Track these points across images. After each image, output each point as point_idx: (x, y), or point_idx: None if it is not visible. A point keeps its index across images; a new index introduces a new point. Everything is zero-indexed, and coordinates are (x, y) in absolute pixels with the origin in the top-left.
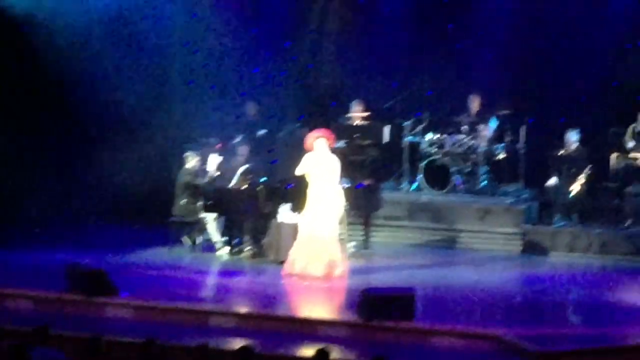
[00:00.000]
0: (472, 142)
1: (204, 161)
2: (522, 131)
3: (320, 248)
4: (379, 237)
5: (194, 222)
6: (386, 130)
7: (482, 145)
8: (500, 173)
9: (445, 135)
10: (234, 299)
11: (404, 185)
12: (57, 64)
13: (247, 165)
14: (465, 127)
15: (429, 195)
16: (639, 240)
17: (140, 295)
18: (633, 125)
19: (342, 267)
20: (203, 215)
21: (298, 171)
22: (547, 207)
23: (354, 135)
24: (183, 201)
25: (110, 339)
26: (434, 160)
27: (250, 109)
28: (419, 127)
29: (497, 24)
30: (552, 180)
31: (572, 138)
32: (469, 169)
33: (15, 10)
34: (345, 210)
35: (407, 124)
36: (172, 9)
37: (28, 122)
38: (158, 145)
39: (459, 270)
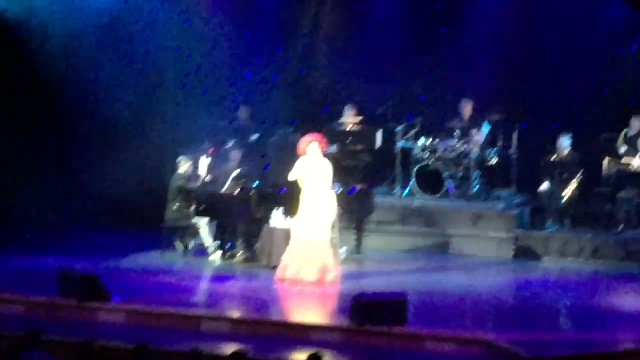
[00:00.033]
0: (465, 147)
1: (196, 166)
2: (515, 136)
3: (313, 253)
4: (372, 242)
5: (187, 226)
6: (379, 135)
7: (475, 150)
8: (493, 178)
9: (437, 141)
10: (226, 304)
11: (397, 190)
12: (50, 69)
13: (239, 170)
14: (457, 133)
15: (422, 201)
16: (631, 245)
17: (132, 300)
18: (625, 130)
19: (334, 272)
20: (196, 220)
21: (291, 176)
22: (539, 213)
23: (347, 140)
24: (176, 206)
25: (103, 344)
26: (426, 166)
27: (243, 113)
28: (412, 132)
29: (490, 29)
30: (545, 186)
31: (565, 143)
32: (462, 174)
33: (9, 14)
34: (338, 215)
35: (400, 129)
36: (165, 15)
37: (19, 128)
38: (151, 150)
39: (452, 275)
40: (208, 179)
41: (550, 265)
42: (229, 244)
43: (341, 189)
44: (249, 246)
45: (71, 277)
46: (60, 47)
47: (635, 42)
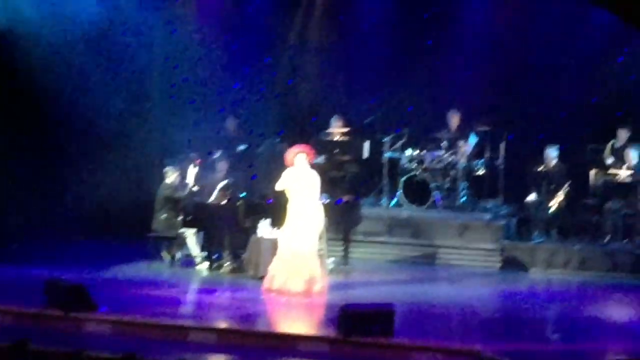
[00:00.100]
0: (452, 158)
1: (183, 176)
2: (502, 147)
3: (299, 264)
4: (359, 252)
5: (174, 237)
6: (366, 146)
7: (462, 161)
8: (480, 189)
9: (424, 151)
10: (213, 314)
11: (384, 201)
12: (38, 78)
13: (226, 181)
14: (444, 143)
15: (409, 211)
16: (617, 256)
17: (119, 311)
18: (612, 141)
19: (321, 283)
20: (183, 230)
21: (278, 186)
22: (526, 223)
23: (334, 151)
24: (163, 216)
25: (90, 354)
26: (413, 176)
27: (230, 124)
28: (399, 143)
29: (477, 41)
30: (532, 196)
31: (552, 154)
32: (449, 185)
33: None
34: (325, 225)
35: (387, 139)
36: (153, 25)
37: (5, 138)
38: (138, 160)
39: (439, 286)
40: (195, 188)
41: (537, 276)
42: (216, 254)
43: (328, 200)
44: (236, 256)
45: (58, 287)
46: (47, 56)
47: (622, 54)
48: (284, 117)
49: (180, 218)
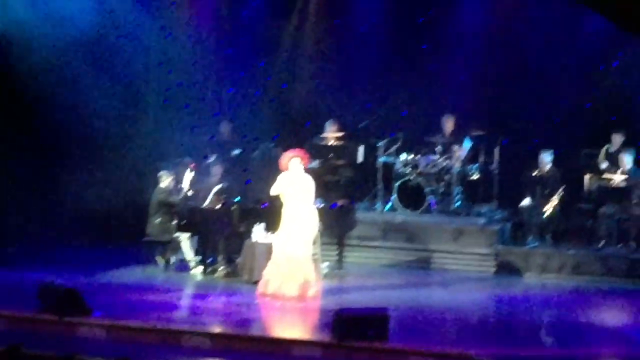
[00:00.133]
0: (446, 162)
1: (178, 180)
2: (496, 152)
3: (294, 268)
4: (353, 257)
5: (168, 241)
6: (360, 150)
7: (456, 165)
8: (474, 193)
9: (419, 156)
10: (207, 319)
11: (378, 205)
12: (31, 83)
13: (221, 185)
14: (439, 148)
15: (403, 216)
16: (612, 261)
17: (113, 315)
18: (607, 146)
19: (315, 287)
20: (177, 234)
21: (272, 191)
22: (520, 228)
23: (329, 155)
24: (157, 220)
25: (84, 359)
26: (408, 181)
27: (225, 128)
28: (393, 148)
29: (472, 45)
30: (526, 201)
31: (546, 159)
32: (443, 190)
33: None
34: (319, 230)
35: (382, 144)
36: (147, 29)
37: (0, 143)
38: (132, 164)
39: (433, 290)
40: (190, 193)
41: (532, 281)
42: (210, 259)
43: (323, 204)
44: (230, 261)
45: (52, 291)
46: (41, 61)
47: (617, 58)
48: (278, 121)
49: (174, 222)
